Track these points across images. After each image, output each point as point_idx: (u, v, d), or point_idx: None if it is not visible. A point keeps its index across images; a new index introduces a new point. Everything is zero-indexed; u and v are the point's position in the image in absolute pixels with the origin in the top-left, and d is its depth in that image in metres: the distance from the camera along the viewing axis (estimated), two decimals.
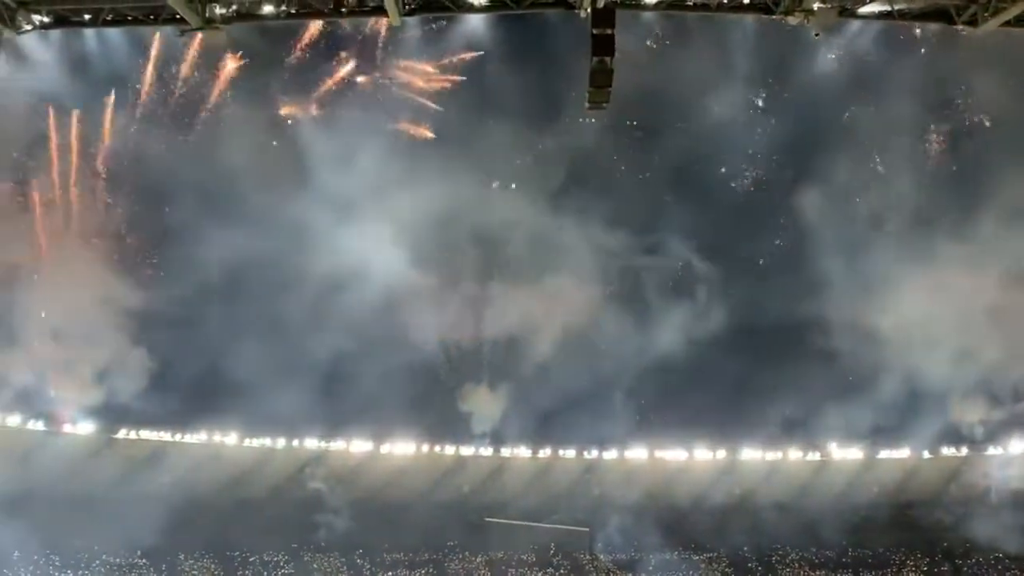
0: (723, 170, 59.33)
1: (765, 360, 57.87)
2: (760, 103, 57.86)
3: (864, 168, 57.35)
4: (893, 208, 56.11)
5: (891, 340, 55.08)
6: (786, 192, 57.90)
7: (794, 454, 62.26)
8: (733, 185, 59.74)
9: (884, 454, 62.02)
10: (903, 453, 61.75)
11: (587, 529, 60.98)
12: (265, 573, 59.52)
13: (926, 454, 61.46)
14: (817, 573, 65.25)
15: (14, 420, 51.26)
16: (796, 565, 66.21)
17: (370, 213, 51.37)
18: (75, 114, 50.63)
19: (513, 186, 57.83)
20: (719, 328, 57.60)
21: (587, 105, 27.98)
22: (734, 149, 58.72)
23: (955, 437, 60.57)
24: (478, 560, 63.84)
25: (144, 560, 57.15)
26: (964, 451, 61.26)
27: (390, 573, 61.54)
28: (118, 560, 56.45)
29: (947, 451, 61.27)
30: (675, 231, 59.19)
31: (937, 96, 56.35)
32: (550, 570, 64.06)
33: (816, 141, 56.51)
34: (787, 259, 59.34)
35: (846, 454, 62.41)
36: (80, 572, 55.08)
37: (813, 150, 56.62)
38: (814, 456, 62.55)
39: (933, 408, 57.62)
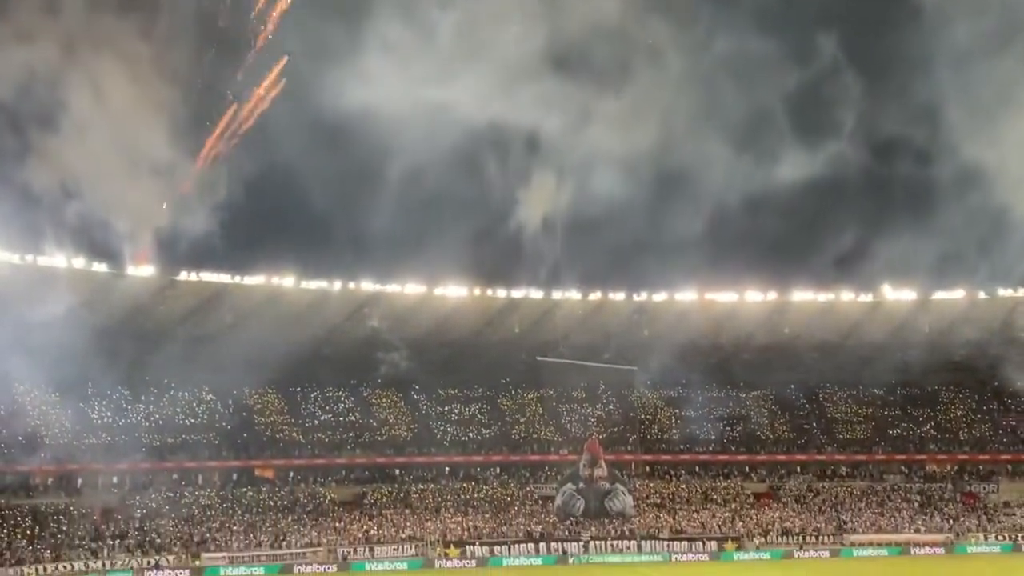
0: None
1: (836, 190, 53.76)
2: None
3: None
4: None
5: (984, 170, 51.78)
6: None
7: (846, 295, 61.54)
8: None
9: (939, 295, 60.98)
10: (958, 294, 60.70)
11: (635, 368, 61.76)
12: (326, 407, 62.01)
13: (982, 295, 60.36)
14: (864, 410, 66.39)
15: (79, 263, 52.08)
16: (843, 403, 67.33)
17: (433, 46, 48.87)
18: None
19: None
20: (790, 153, 54.20)
21: None
22: None
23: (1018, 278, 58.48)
24: (529, 397, 65.83)
25: (211, 395, 59.71)
26: (1022, 292, 59.61)
27: (446, 407, 63.84)
28: (185, 394, 59.04)
29: (1004, 292, 59.89)
30: (756, 36, 53.88)
31: None
32: (599, 406, 65.92)
33: None
34: (883, 71, 53.82)
35: (900, 295, 61.51)
36: (150, 405, 57.69)
37: None
38: (866, 297, 61.86)
39: (1005, 245, 55.68)
